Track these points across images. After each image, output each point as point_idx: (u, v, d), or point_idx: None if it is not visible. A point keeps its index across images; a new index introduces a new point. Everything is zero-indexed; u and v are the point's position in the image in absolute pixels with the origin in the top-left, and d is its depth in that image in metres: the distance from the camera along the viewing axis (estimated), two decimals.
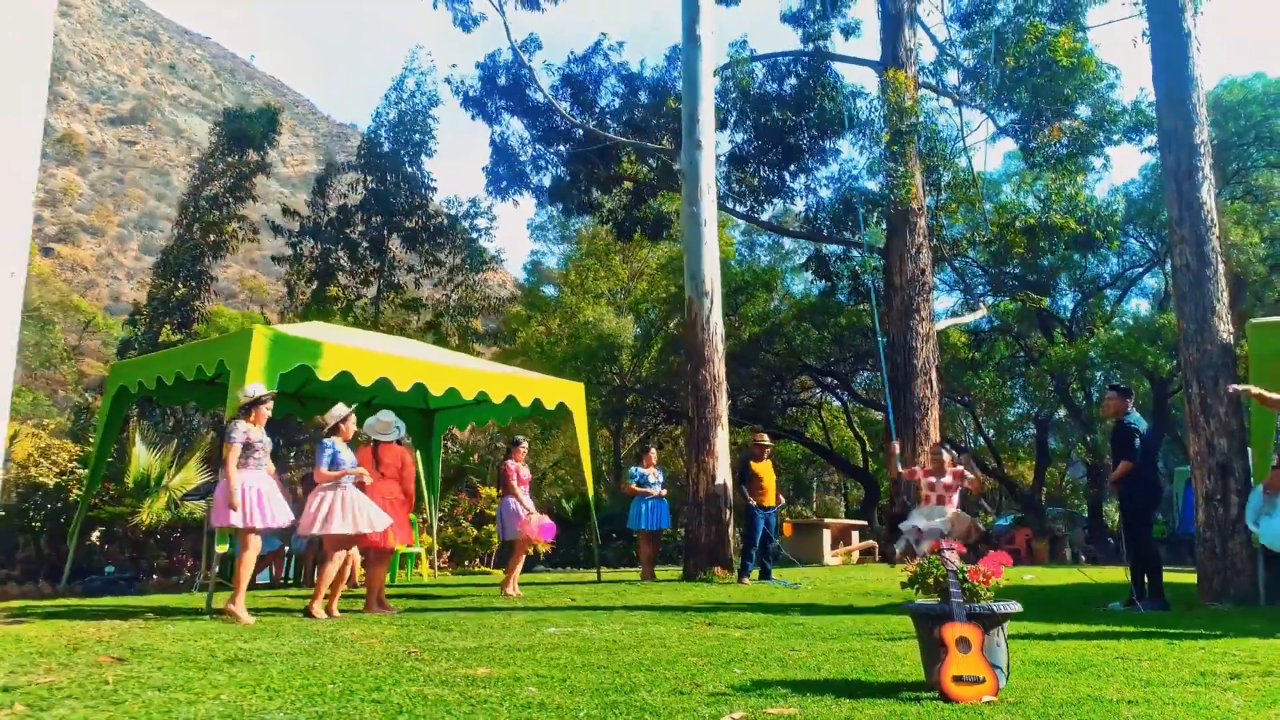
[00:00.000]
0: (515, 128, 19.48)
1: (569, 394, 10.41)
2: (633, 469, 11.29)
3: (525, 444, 9.64)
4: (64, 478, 10.77)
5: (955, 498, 7.85)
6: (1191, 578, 8.72)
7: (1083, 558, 20.63)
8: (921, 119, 15.17)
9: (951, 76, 18.88)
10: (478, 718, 3.08)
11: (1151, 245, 23.90)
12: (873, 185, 16.64)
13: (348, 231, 18.25)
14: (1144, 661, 4.25)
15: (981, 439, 28.52)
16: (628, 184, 19.73)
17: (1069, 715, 3.07)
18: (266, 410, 6.66)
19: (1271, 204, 20.86)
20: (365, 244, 18.03)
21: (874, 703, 3.22)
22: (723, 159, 18.52)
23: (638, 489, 10.94)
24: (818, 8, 19.57)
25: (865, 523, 19.41)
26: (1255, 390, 6.46)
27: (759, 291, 23.45)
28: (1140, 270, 24.38)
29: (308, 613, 6.65)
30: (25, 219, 6.07)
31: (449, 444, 18.07)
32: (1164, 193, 9.02)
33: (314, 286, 18.21)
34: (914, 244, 15.72)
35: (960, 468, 7.89)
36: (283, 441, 16.30)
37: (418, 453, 11.28)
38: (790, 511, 27.01)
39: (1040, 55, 15.93)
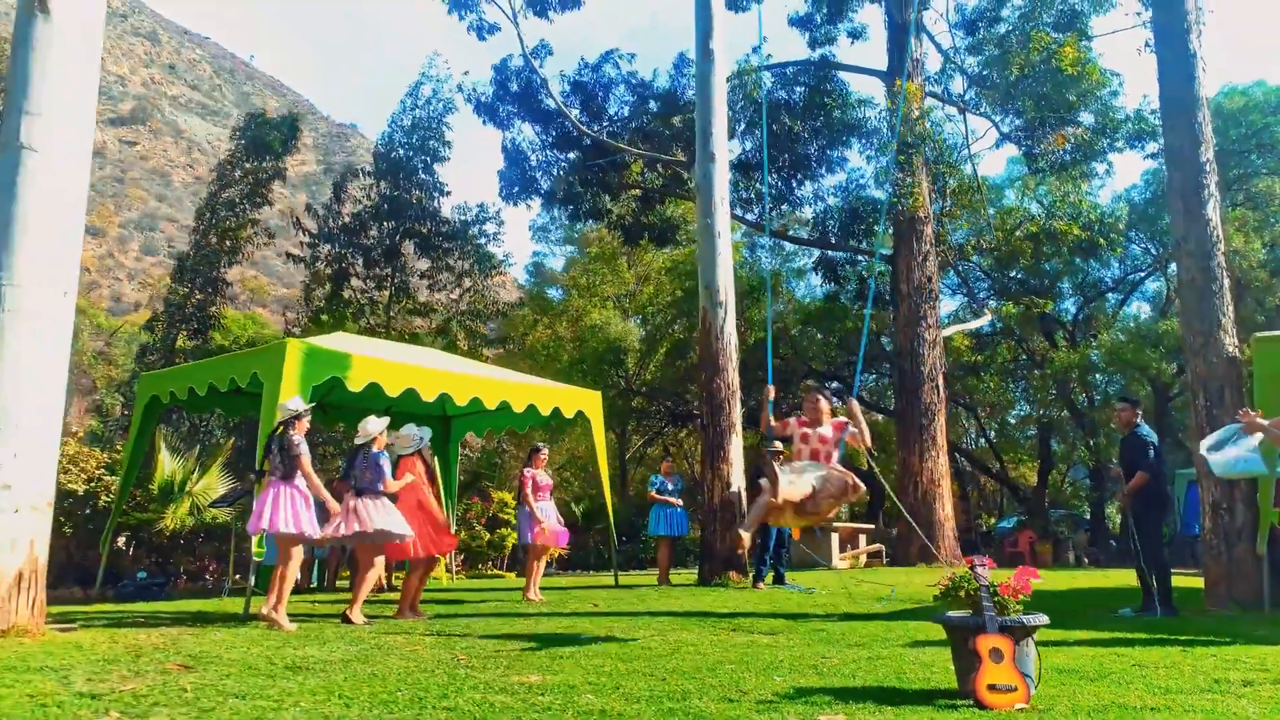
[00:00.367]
0: (526, 134, 19.76)
1: (587, 403, 10.64)
2: (653, 477, 11.54)
3: (545, 451, 9.88)
4: (92, 484, 11.00)
5: (836, 453, 6.37)
6: (1194, 581, 8.97)
7: (1085, 560, 20.89)
8: (930, 128, 15.40)
9: (956, 85, 19.15)
10: None
11: (1153, 250, 24.16)
12: (880, 194, 16.85)
13: (361, 237, 18.49)
14: (1160, 669, 4.48)
15: (985, 441, 28.74)
16: (635, 190, 19.96)
17: None
18: (305, 423, 6.90)
19: (1272, 210, 21.11)
20: (379, 250, 18.27)
21: (915, 710, 3.45)
22: (731, 165, 18.78)
23: (657, 496, 11.18)
24: (824, 12, 19.85)
25: (872, 526, 19.63)
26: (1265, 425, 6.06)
27: (764, 296, 23.66)
28: (1142, 275, 24.62)
29: (345, 619, 6.87)
30: (76, 242, 6.26)
31: (461, 448, 18.29)
32: (1168, 205, 9.28)
33: (328, 290, 18.45)
34: (921, 252, 15.97)
35: (842, 419, 6.36)
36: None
37: (435, 458, 11.51)
38: None
39: (1045, 65, 16.18)
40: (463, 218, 20.11)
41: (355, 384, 8.25)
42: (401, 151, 19.21)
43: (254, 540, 7.58)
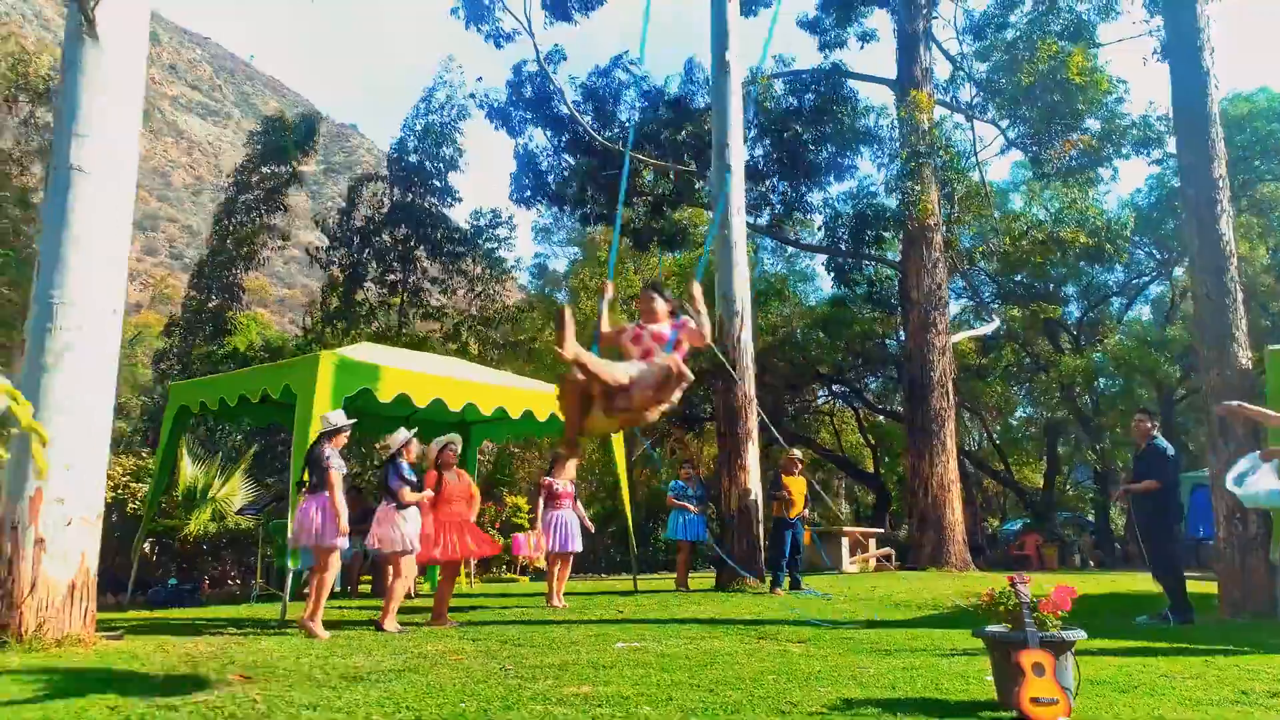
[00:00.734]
0: (539, 139, 19.93)
1: None
2: (673, 482, 11.69)
3: (563, 457, 10.03)
4: (118, 491, 11.15)
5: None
6: (1201, 585, 9.16)
7: (1091, 563, 21.06)
8: (940, 138, 15.56)
9: (965, 93, 19.31)
10: None
11: (1157, 255, 24.35)
12: (890, 202, 17.01)
13: (375, 242, 18.64)
14: (1187, 679, 4.65)
15: (990, 443, 28.91)
16: (646, 197, 20.11)
17: None
18: (343, 438, 7.06)
19: (1276, 216, 21.29)
20: (393, 255, 18.43)
21: None
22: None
23: (676, 502, 11.34)
24: (833, 16, 20.01)
25: (881, 530, 19.80)
26: (1249, 409, 6.33)
27: (771, 300, 23.83)
28: (1146, 280, 24.79)
29: (379, 626, 7.03)
30: (123, 260, 6.45)
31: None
32: (1183, 220, 9.47)
33: (341, 294, 18.62)
34: (930, 259, 16.13)
35: (685, 319, 5.07)
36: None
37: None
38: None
39: (1054, 75, 16.34)
40: (476, 223, 20.27)
41: (385, 395, 8.42)
42: (415, 157, 19.35)
43: (287, 550, 7.73)
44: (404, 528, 7.16)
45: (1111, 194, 35.91)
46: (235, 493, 12.21)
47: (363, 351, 9.17)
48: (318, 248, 18.77)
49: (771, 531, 10.93)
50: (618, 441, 11.01)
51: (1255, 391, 8.28)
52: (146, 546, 11.35)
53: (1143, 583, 10.91)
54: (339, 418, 7.03)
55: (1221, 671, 4.91)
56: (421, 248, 18.86)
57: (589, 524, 9.81)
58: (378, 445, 9.35)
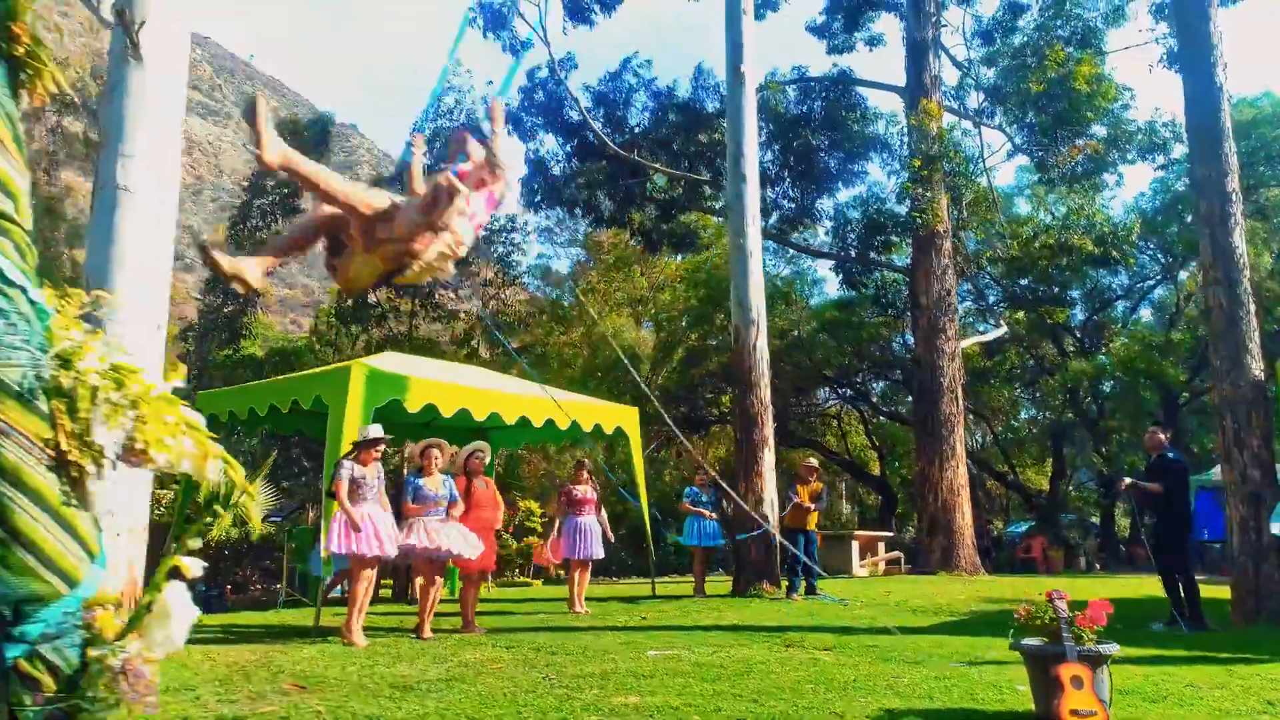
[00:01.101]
0: (549, 144, 20.08)
1: (625, 419, 10.97)
2: (688, 488, 11.83)
3: (587, 466, 10.21)
4: None
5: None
6: (1207, 589, 9.34)
7: (1097, 566, 21.25)
8: (950, 146, 15.72)
9: (972, 100, 19.47)
10: None
11: (1161, 259, 24.50)
12: (900, 208, 17.15)
13: None
14: (1213, 689, 4.80)
15: (995, 445, 29.07)
16: (657, 197, 20.25)
17: None
18: (377, 451, 7.19)
19: None
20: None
21: None
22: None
23: (691, 508, 11.48)
24: (841, 21, 20.16)
25: (890, 533, 19.96)
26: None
27: (778, 304, 23.97)
28: (1151, 283, 24.95)
29: (418, 634, 7.19)
30: (166, 277, 6.57)
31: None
32: (1176, 217, 9.52)
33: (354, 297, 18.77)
34: (939, 265, 16.29)
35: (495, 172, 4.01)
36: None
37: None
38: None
39: (1062, 82, 16.49)
40: (489, 226, 20.39)
41: (413, 405, 8.56)
42: (429, 160, 19.41)
43: (321, 560, 7.88)
44: (438, 537, 7.31)
45: (1116, 199, 36.16)
46: (256, 499, 12.32)
47: (390, 361, 9.32)
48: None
49: (785, 538, 11.08)
50: (635, 445, 11.15)
51: (1268, 404, 8.43)
52: None
53: (1150, 587, 11.04)
54: (377, 431, 7.18)
55: (1245, 681, 5.06)
56: None
57: (609, 533, 9.94)
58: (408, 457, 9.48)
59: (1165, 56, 18.84)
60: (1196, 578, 8.38)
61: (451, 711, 4.21)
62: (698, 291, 24.12)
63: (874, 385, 26.47)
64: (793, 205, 18.65)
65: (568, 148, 19.75)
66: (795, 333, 23.52)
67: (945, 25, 18.55)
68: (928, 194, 15.47)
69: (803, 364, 23.42)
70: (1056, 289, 23.86)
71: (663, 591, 12.39)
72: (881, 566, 16.65)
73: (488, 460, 8.45)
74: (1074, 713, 3.77)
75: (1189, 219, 23.39)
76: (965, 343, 17.49)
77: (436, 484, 7.60)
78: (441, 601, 10.44)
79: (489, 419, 9.60)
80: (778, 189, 18.76)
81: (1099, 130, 18.71)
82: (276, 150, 3.11)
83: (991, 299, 24.87)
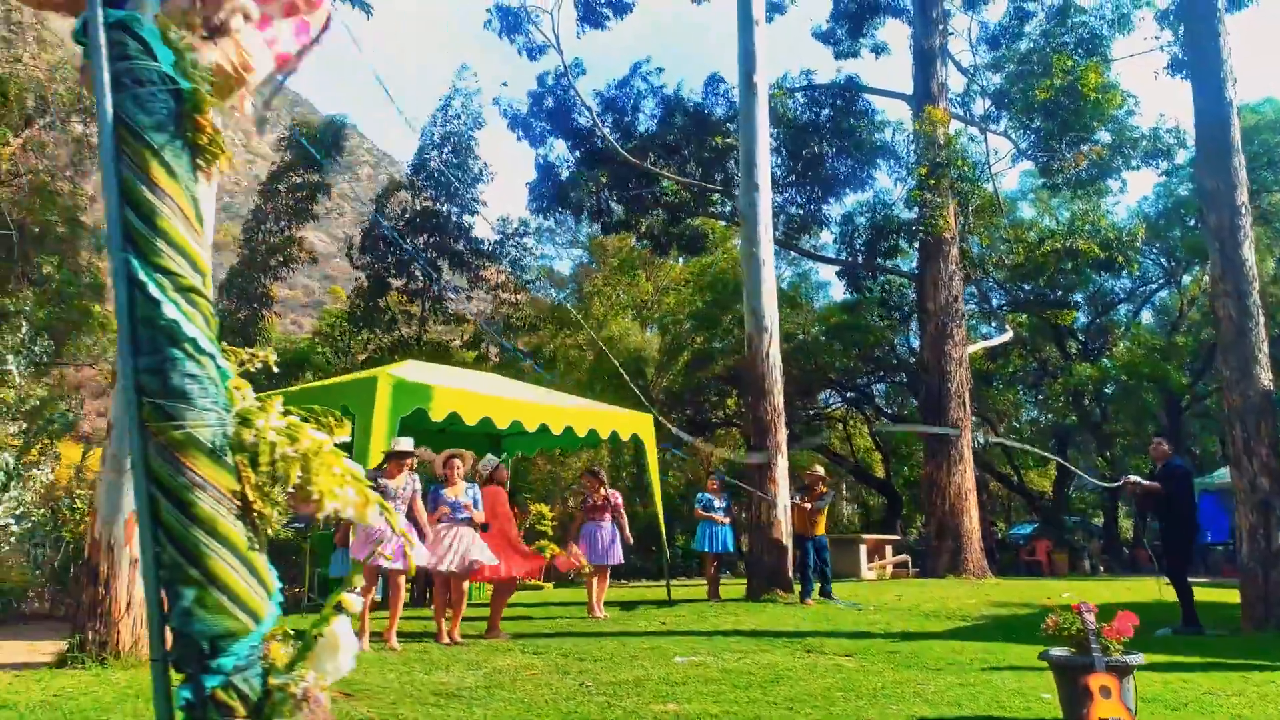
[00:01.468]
0: (559, 149, 20.25)
1: (641, 426, 11.11)
2: (700, 494, 11.98)
3: (600, 474, 10.40)
4: None
5: None
6: (1212, 593, 9.52)
7: (1101, 568, 21.41)
8: (957, 152, 15.87)
9: (978, 106, 19.63)
10: None
11: (1164, 263, 24.68)
12: (907, 215, 17.29)
13: (397, 251, 18.94)
14: (1231, 696, 4.97)
15: (999, 447, 29.22)
16: (666, 201, 20.41)
17: None
18: (409, 462, 7.36)
19: None
20: (416, 264, 18.71)
21: None
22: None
23: (704, 514, 11.63)
24: (846, 28, 20.33)
25: (898, 537, 20.12)
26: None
27: (783, 308, 24.12)
28: (1154, 287, 25.12)
29: (452, 640, 7.37)
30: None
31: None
32: (1179, 221, 9.59)
33: (365, 301, 18.96)
34: (947, 272, 16.45)
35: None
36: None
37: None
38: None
39: (1068, 90, 16.65)
40: (503, 231, 20.59)
41: (437, 415, 8.72)
42: (436, 164, 19.61)
43: (352, 565, 8.03)
44: (466, 546, 7.48)
45: (1120, 204, 36.40)
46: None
47: (413, 371, 9.46)
48: (351, 254, 19.12)
49: (796, 545, 11.25)
50: (651, 451, 11.30)
51: (1277, 413, 8.59)
52: None
53: (1155, 590, 11.20)
54: (407, 444, 7.34)
55: (1260, 688, 5.23)
56: (445, 258, 19.14)
57: (628, 535, 10.09)
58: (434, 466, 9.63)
59: (1170, 64, 19.03)
60: (1199, 580, 8.60)
61: (499, 719, 4.36)
62: (704, 295, 24.28)
63: (878, 388, 26.64)
64: (800, 211, 18.81)
65: (576, 153, 19.91)
66: (800, 336, 23.67)
67: (953, 33, 18.71)
68: (936, 200, 15.61)
69: (808, 368, 23.59)
70: (1060, 293, 24.06)
71: (676, 595, 12.54)
72: (889, 570, 16.82)
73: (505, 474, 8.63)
74: None
75: (1191, 223, 23.61)
76: (972, 348, 17.66)
77: (459, 492, 7.77)
78: (476, 605, 10.67)
79: (510, 426, 9.75)
80: (785, 194, 18.93)
81: (1104, 136, 18.88)
82: None
83: (995, 302, 25.06)
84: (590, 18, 18.32)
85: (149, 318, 1.47)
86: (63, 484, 10.44)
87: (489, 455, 8.68)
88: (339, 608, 1.66)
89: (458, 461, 7.91)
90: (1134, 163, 19.66)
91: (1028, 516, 29.41)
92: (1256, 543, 8.28)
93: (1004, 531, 26.48)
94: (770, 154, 19.38)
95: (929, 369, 16.28)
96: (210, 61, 2.32)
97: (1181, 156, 20.13)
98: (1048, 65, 17.25)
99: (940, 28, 17.71)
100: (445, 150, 19.87)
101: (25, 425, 9.35)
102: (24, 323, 9.29)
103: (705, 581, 12.36)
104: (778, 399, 11.69)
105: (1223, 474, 19.00)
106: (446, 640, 7.40)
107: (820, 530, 11.06)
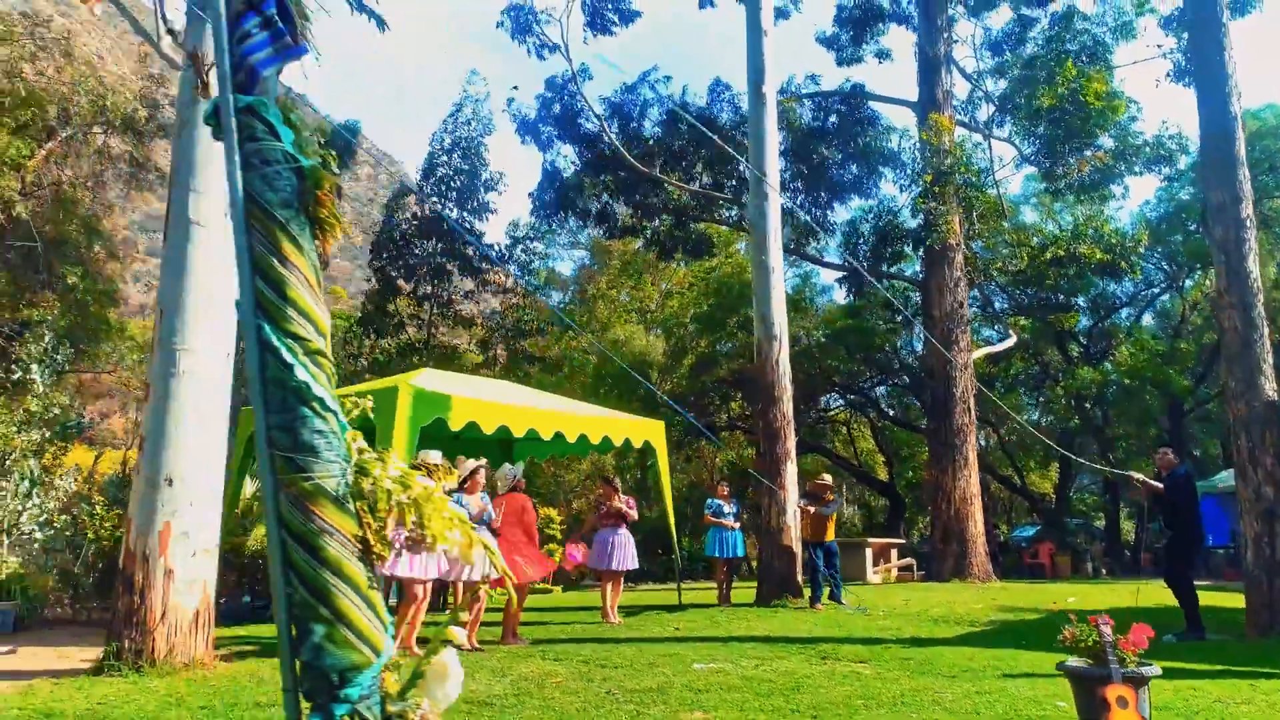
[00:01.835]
0: (566, 154, 20.41)
1: (653, 433, 11.26)
2: (710, 500, 12.13)
3: (614, 482, 10.57)
4: None
5: None
6: (1214, 596, 9.67)
7: (1103, 571, 21.57)
8: (962, 161, 16.01)
9: (982, 113, 19.79)
10: None
11: (1166, 267, 24.84)
12: (912, 222, 17.45)
13: (407, 255, 19.06)
14: (1240, 704, 5.11)
15: (1000, 448, 29.39)
16: (672, 207, 20.58)
17: None
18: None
19: None
20: (426, 269, 18.84)
21: None
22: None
23: (714, 520, 11.78)
24: (850, 34, 20.49)
25: (903, 540, 20.27)
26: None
27: (788, 313, 24.28)
28: (1156, 291, 25.28)
29: (474, 647, 7.53)
30: (232, 312, 6.92)
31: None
32: (1181, 226, 9.68)
33: (375, 305, 19.11)
34: (952, 278, 16.60)
35: None
36: None
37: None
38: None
39: (1072, 97, 16.80)
40: (513, 235, 20.73)
41: (456, 424, 8.85)
42: (445, 170, 19.75)
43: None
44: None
45: (1123, 209, 36.59)
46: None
47: (432, 380, 9.60)
48: (370, 258, 19.31)
49: (807, 552, 11.42)
50: (662, 458, 11.44)
51: None
52: None
53: (1160, 594, 11.35)
54: (435, 457, 7.50)
55: (1269, 696, 5.38)
56: (455, 262, 19.29)
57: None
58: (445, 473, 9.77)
59: (1172, 71, 19.21)
60: (1202, 583, 8.76)
61: None
62: (708, 298, 24.42)
63: (880, 391, 26.79)
64: (806, 216, 18.96)
65: (583, 158, 20.06)
66: (804, 340, 23.82)
67: (957, 40, 18.87)
68: (941, 209, 15.76)
69: (811, 372, 23.73)
70: (1062, 297, 24.22)
71: (685, 599, 12.69)
72: (894, 573, 16.96)
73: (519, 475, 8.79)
74: None
75: (1192, 228, 23.76)
76: (977, 354, 17.81)
77: (476, 502, 7.95)
78: (493, 610, 10.82)
79: (527, 434, 9.90)
80: (793, 200, 19.08)
81: (1107, 141, 19.04)
82: None
83: (998, 305, 25.22)
84: (598, 25, 18.49)
85: (280, 379, 1.62)
86: (83, 491, 10.56)
87: (505, 465, 8.80)
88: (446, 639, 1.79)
89: (482, 472, 8.10)
90: (1137, 169, 19.83)
91: (1029, 518, 29.59)
92: (1261, 550, 8.43)
93: (1006, 534, 26.63)
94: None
95: (934, 375, 16.43)
96: None
97: (1183, 162, 20.30)
98: (1051, 72, 17.41)
99: (945, 35, 17.86)
100: (454, 156, 20.02)
101: (47, 433, 9.49)
102: (46, 331, 9.46)
103: (714, 585, 12.52)
104: (787, 406, 11.84)
105: (1224, 477, 19.19)
106: (467, 647, 7.55)
107: (830, 536, 11.22)
